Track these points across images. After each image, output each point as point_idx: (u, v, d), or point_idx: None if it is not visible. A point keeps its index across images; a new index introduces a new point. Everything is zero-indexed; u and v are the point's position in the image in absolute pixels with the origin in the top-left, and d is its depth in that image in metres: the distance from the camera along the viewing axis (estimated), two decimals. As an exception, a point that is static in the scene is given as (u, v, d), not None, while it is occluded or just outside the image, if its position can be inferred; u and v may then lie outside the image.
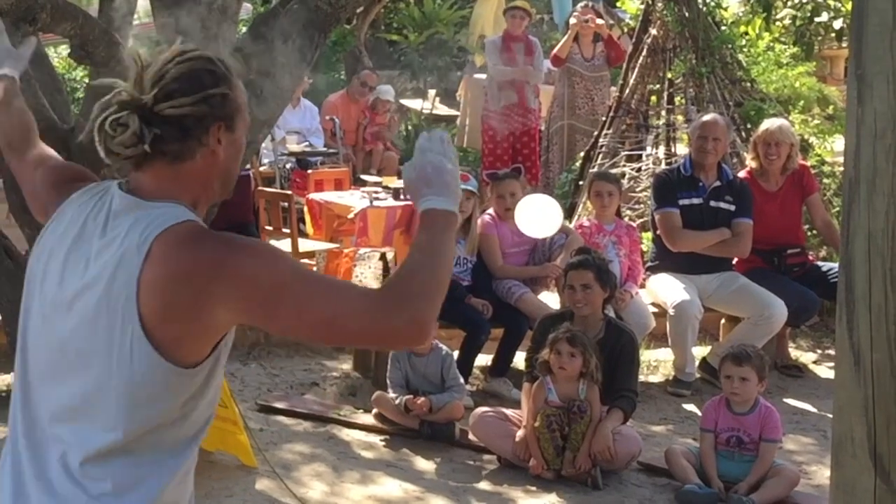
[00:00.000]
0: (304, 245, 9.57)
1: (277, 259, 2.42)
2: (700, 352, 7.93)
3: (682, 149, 9.68)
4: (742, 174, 8.18)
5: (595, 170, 9.53)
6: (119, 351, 2.38)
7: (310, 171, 11.95)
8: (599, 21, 12.21)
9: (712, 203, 7.73)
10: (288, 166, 12.67)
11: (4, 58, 3.26)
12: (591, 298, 6.43)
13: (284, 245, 9.47)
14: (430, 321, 2.39)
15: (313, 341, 2.42)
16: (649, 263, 8.06)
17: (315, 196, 10.67)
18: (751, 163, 8.16)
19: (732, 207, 7.73)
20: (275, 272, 2.38)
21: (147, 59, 2.51)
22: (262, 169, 12.42)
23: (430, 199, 2.56)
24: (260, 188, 10.28)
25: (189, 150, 2.49)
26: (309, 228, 10.51)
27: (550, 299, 7.72)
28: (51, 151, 3.10)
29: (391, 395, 6.60)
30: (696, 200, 7.74)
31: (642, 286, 7.97)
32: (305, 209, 10.59)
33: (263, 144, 11.10)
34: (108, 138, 2.46)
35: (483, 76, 13.58)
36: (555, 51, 12.29)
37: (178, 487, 2.58)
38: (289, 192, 10.61)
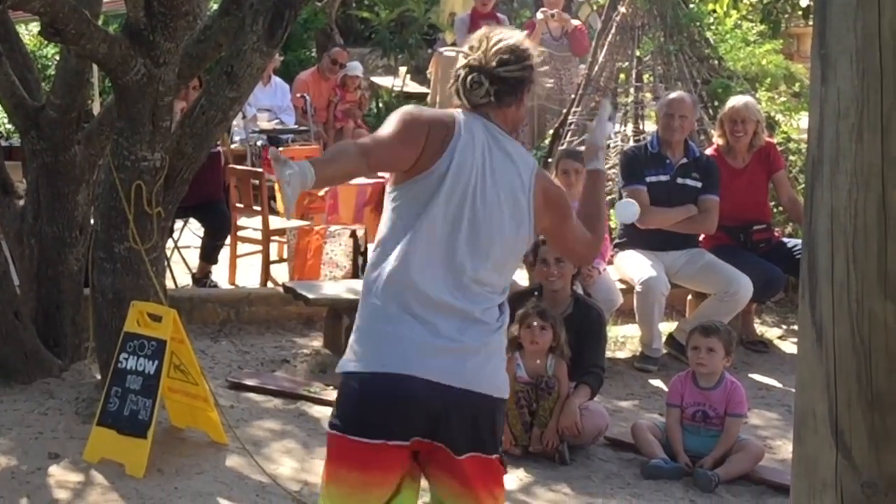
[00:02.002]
0: (275, 222, 9.56)
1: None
2: (667, 328, 7.99)
3: (650, 126, 9.72)
4: (709, 151, 8.24)
5: (563, 147, 9.56)
6: (518, 230, 3.69)
7: (280, 149, 11.89)
8: (564, 15, 12.26)
9: (679, 180, 7.78)
10: (259, 144, 12.64)
11: None
12: (564, 272, 6.46)
13: (255, 223, 9.47)
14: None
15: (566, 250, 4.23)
16: (617, 240, 8.10)
17: (286, 174, 10.62)
18: (717, 140, 8.21)
19: (699, 184, 7.78)
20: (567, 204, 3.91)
21: (483, 38, 3.75)
22: (232, 146, 12.38)
23: (600, 162, 4.08)
24: (231, 165, 10.24)
25: (514, 101, 3.77)
26: (280, 206, 10.49)
27: (518, 276, 7.74)
28: (373, 143, 3.70)
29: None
30: (663, 177, 7.79)
31: (610, 263, 8.01)
32: (276, 187, 10.55)
33: (234, 122, 11.09)
34: (468, 92, 3.71)
35: (454, 53, 13.57)
36: None
37: None
38: (260, 169, 10.59)
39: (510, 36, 3.78)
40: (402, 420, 3.49)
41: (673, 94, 8.13)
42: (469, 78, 3.69)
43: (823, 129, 2.37)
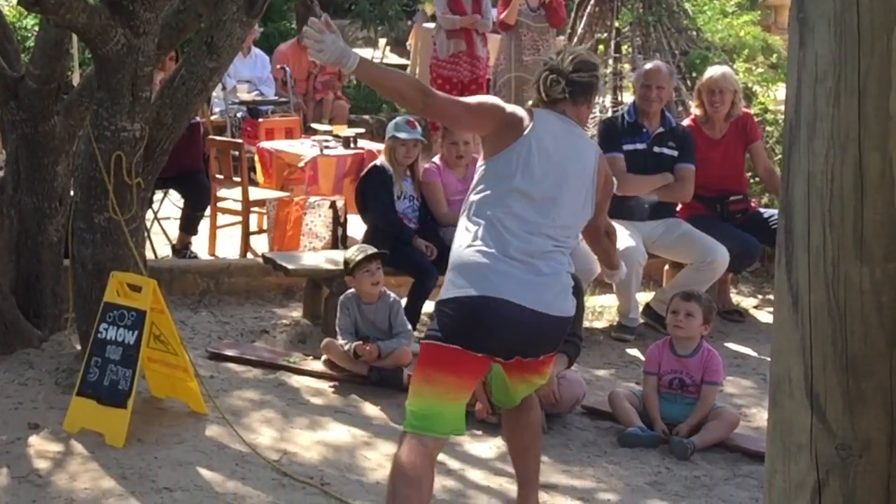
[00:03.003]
0: (255, 193, 9.56)
1: None
2: (644, 297, 8.03)
3: (628, 97, 9.74)
4: (686, 122, 8.27)
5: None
6: (586, 199, 4.68)
7: (260, 120, 11.92)
8: None
9: (655, 149, 7.82)
10: (239, 115, 12.63)
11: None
12: None
13: (235, 194, 9.47)
14: None
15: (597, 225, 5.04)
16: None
17: (266, 145, 10.65)
18: (695, 110, 8.24)
19: (675, 153, 7.82)
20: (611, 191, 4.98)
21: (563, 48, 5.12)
22: (213, 118, 12.37)
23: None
24: (211, 137, 10.23)
25: (584, 101, 4.75)
26: (259, 177, 10.50)
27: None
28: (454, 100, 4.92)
29: (340, 342, 6.65)
30: (639, 146, 7.82)
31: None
32: (256, 158, 10.57)
33: (214, 93, 11.07)
34: (547, 88, 4.67)
35: (433, 25, 13.56)
36: (502, 17, 12.26)
37: None
38: (239, 140, 10.60)
39: (583, 50, 5.02)
40: (501, 339, 4.45)
41: (649, 65, 8.15)
42: (549, 78, 4.67)
43: (801, 93, 2.37)
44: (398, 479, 4.33)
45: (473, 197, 4.60)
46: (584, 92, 4.71)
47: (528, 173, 4.52)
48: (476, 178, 4.66)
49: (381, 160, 7.80)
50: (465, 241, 4.52)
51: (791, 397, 2.45)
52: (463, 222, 4.61)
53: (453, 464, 5.57)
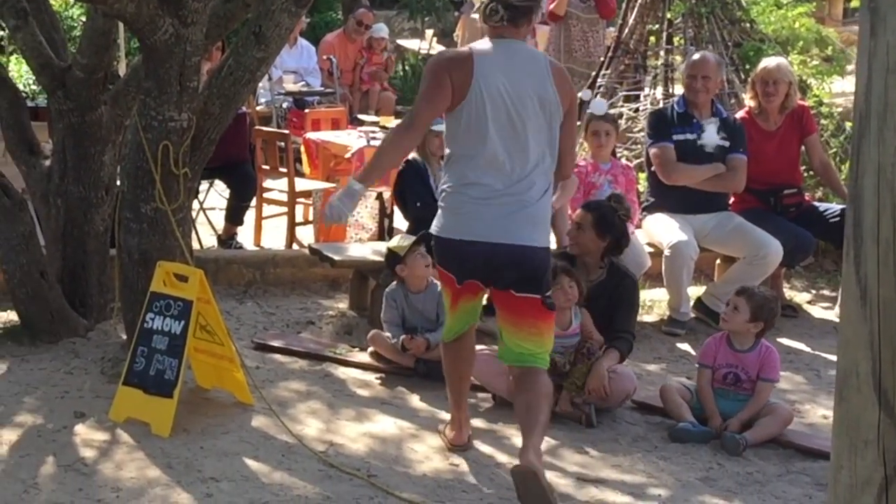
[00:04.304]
0: (301, 184, 9.55)
1: None
2: (695, 292, 7.96)
3: (679, 89, 9.65)
4: (741, 114, 8.17)
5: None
6: (551, 113, 5.04)
7: (307, 111, 11.94)
8: None
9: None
10: (285, 106, 12.65)
11: None
12: (580, 240, 6.45)
13: (280, 185, 9.45)
14: None
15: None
16: (645, 203, 8.06)
17: (312, 135, 10.64)
18: (749, 102, 8.15)
19: (727, 143, 7.73)
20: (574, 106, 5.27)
21: None
22: (258, 108, 12.40)
23: None
24: (257, 127, 10.24)
25: (525, 22, 5.10)
26: (305, 168, 10.49)
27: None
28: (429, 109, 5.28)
29: (386, 334, 6.61)
30: (690, 136, 7.74)
31: (638, 226, 7.97)
32: (302, 149, 10.56)
33: (260, 84, 11.07)
34: (486, 17, 5.09)
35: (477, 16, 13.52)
36: (551, 7, 12.19)
37: None
38: (286, 131, 10.60)
39: None
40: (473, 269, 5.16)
41: (696, 55, 8.08)
42: (488, 7, 5.08)
43: (871, 83, 2.33)
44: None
45: (448, 150, 5.22)
46: (524, 15, 5.09)
47: (489, 117, 5.00)
48: (445, 132, 5.24)
49: (413, 154, 7.76)
50: (449, 184, 5.19)
51: (859, 392, 2.42)
52: (447, 171, 5.25)
53: (501, 457, 5.53)
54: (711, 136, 7.75)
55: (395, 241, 6.83)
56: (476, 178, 5.02)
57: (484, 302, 5.48)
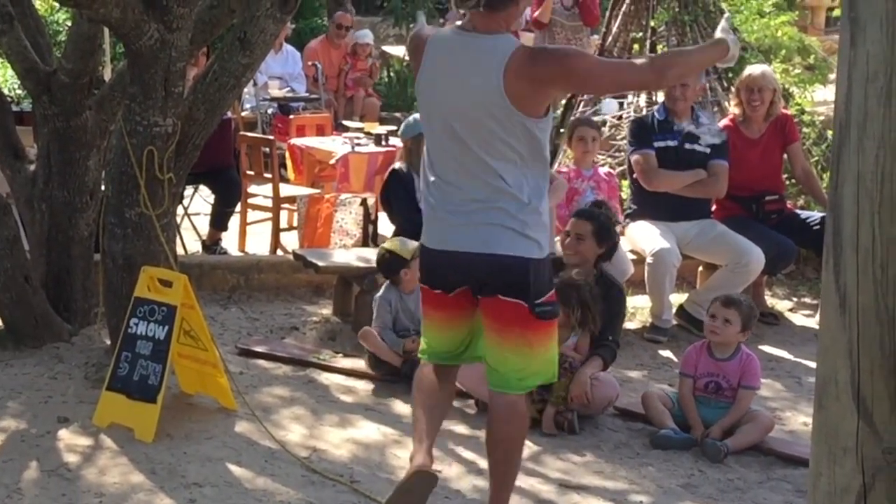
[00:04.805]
0: (286, 190, 9.56)
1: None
2: (677, 299, 7.98)
3: (662, 97, 9.68)
4: (725, 121, 8.22)
5: (577, 116, 9.55)
6: (498, 116, 4.33)
7: (291, 117, 11.96)
8: None
9: (687, 146, 7.79)
10: (270, 111, 12.68)
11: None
12: (581, 249, 6.47)
13: (265, 190, 9.46)
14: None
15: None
16: (628, 210, 8.09)
17: (297, 141, 10.66)
18: (734, 109, 8.20)
19: (708, 150, 7.77)
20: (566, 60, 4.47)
21: None
22: (244, 114, 12.42)
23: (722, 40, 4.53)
24: (242, 133, 10.26)
25: (506, 4, 4.34)
26: (290, 174, 10.51)
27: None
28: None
29: (381, 340, 6.57)
30: (671, 143, 7.80)
31: (621, 233, 7.99)
32: (287, 154, 10.59)
33: (245, 90, 11.09)
34: (459, 1, 4.36)
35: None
36: (535, 14, 12.22)
37: None
38: (270, 137, 10.61)
39: None
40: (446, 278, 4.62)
41: None
42: None
43: (851, 92, 2.35)
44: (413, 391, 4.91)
45: None
46: (502, 2, 4.37)
47: (432, 113, 4.55)
48: None
49: (398, 163, 7.78)
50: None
51: (837, 400, 2.43)
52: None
53: (484, 463, 5.53)
54: (704, 134, 7.79)
55: (397, 245, 6.78)
56: (432, 179, 4.59)
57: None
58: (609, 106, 7.84)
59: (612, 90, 4.79)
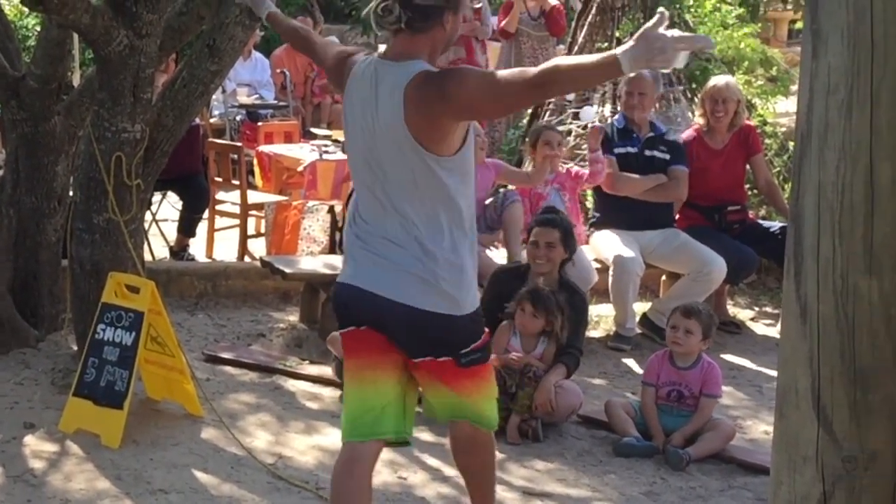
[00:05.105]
0: (253, 197, 9.56)
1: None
2: (640, 308, 8.03)
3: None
4: (690, 132, 8.29)
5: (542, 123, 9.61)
6: (406, 154, 3.85)
7: (260, 124, 11.95)
8: None
9: (647, 152, 7.89)
10: (238, 118, 12.65)
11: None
12: (552, 257, 6.51)
13: (233, 197, 9.46)
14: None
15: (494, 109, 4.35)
16: (592, 219, 8.15)
17: (264, 148, 10.66)
18: (699, 119, 8.27)
19: (667, 156, 7.87)
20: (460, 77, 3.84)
21: None
22: (212, 121, 12.39)
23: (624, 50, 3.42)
24: (210, 140, 10.23)
25: (427, 27, 3.86)
26: (258, 180, 10.50)
27: (498, 256, 7.77)
28: (327, 40, 4.72)
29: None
30: (631, 149, 7.89)
31: (585, 243, 8.06)
32: (255, 161, 10.58)
33: (214, 96, 11.07)
34: (379, 18, 3.85)
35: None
36: (503, 24, 12.26)
37: None
38: (238, 144, 10.60)
39: None
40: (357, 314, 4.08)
41: (632, 73, 8.21)
42: (380, 6, 3.87)
43: (813, 103, 2.38)
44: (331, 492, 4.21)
45: None
46: (427, 18, 3.88)
47: (351, 146, 4.11)
48: None
49: None
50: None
51: (798, 409, 2.46)
52: None
53: (448, 471, 5.56)
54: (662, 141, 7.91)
55: None
56: (356, 214, 4.13)
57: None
58: (587, 113, 7.88)
59: (501, 113, 4.08)
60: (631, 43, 3.36)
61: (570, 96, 9.90)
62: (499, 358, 6.20)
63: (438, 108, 3.76)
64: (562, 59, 3.62)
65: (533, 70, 3.59)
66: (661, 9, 3.30)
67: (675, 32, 3.34)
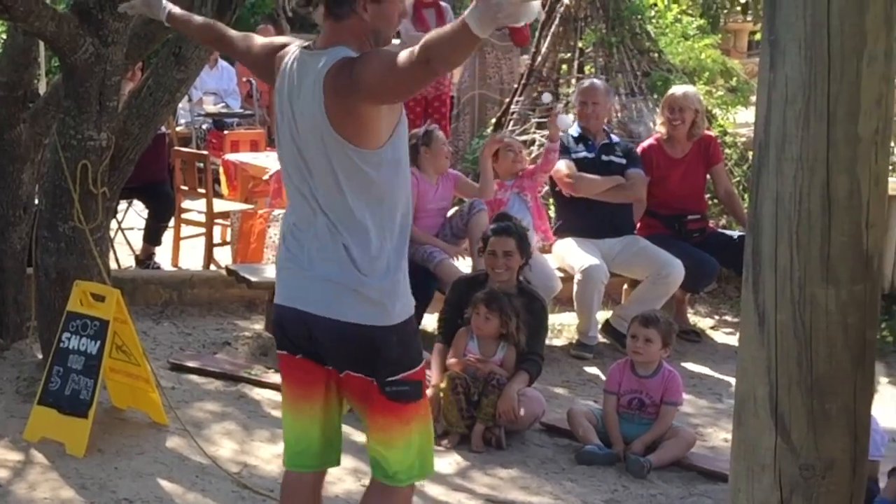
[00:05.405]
0: (219, 205, 9.55)
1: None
2: (603, 316, 8.07)
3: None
4: (649, 140, 8.37)
5: (504, 132, 9.68)
6: (329, 144, 3.62)
7: (226, 132, 11.94)
8: None
9: (604, 157, 8.01)
10: (204, 127, 12.63)
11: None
12: (511, 264, 6.56)
13: (199, 205, 9.45)
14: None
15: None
16: (555, 227, 8.21)
17: (231, 157, 10.66)
18: (659, 128, 8.33)
19: (623, 160, 7.99)
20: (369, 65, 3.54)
21: None
22: (178, 129, 12.36)
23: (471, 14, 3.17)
24: (176, 148, 10.22)
25: (345, 13, 3.65)
26: (224, 189, 10.49)
27: (462, 265, 7.80)
28: (245, 34, 4.35)
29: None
30: (588, 154, 7.98)
31: (548, 251, 8.12)
32: (221, 170, 10.58)
33: (180, 105, 11.06)
34: (288, 1, 3.71)
35: (397, 41, 13.59)
36: None
37: None
38: (205, 152, 10.57)
39: None
40: (292, 338, 3.89)
41: (585, 82, 8.39)
42: None
43: (770, 114, 2.41)
44: None
45: None
46: (339, 2, 3.67)
47: (280, 141, 3.86)
48: None
49: None
50: None
51: (756, 417, 2.48)
52: None
53: (414, 478, 5.59)
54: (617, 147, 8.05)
55: None
56: (288, 222, 3.90)
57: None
58: (564, 121, 7.93)
59: (403, 94, 3.59)
60: (473, 4, 3.15)
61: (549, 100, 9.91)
62: (459, 361, 6.26)
63: (353, 95, 3.54)
64: (431, 33, 3.39)
65: (416, 47, 3.37)
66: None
67: None
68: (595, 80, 8.55)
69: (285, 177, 3.88)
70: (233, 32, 4.36)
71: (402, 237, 3.79)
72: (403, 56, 3.41)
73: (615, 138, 8.23)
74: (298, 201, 3.79)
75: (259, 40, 4.20)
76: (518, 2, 3.09)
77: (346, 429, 4.17)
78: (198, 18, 4.60)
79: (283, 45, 3.96)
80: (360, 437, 5.81)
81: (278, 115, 3.83)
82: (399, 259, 3.76)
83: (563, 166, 7.91)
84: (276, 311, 3.92)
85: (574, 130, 8.09)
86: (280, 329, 3.92)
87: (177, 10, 4.53)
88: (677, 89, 8.31)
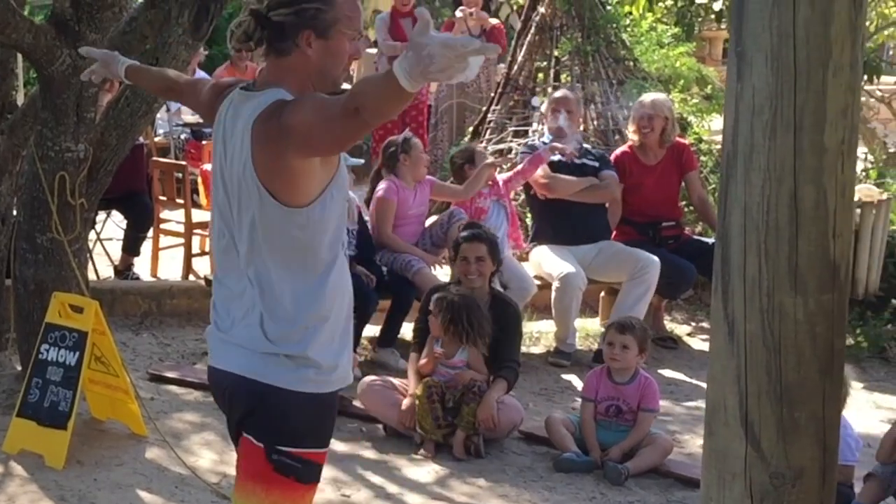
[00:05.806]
0: (198, 215, 9.53)
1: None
2: (581, 323, 8.09)
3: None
4: (622, 148, 8.43)
5: (482, 145, 9.71)
6: (260, 201, 3.20)
7: (204, 142, 11.89)
8: (482, 14, 12.37)
9: (577, 161, 8.05)
10: (183, 137, 12.61)
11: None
12: (483, 270, 6.59)
13: (177, 216, 9.45)
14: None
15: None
16: (531, 234, 8.25)
17: (209, 167, 10.58)
18: (632, 136, 8.37)
19: (596, 163, 8.10)
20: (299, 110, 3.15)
21: None
22: (156, 139, 12.34)
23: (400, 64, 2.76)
24: (154, 158, 10.21)
25: (287, 49, 3.28)
26: (203, 199, 10.47)
27: (442, 274, 7.83)
28: (195, 79, 4.17)
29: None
30: (563, 158, 8.00)
31: (524, 259, 8.15)
32: (199, 180, 10.56)
33: (158, 115, 11.05)
34: (232, 35, 3.34)
35: (374, 51, 13.63)
36: None
37: None
38: (183, 162, 10.57)
39: None
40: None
41: (557, 92, 8.49)
42: (237, 22, 3.33)
43: (738, 125, 2.44)
44: None
45: None
46: (282, 36, 3.28)
47: (214, 189, 3.44)
48: None
49: None
50: None
51: (726, 425, 2.50)
52: None
53: (392, 488, 5.61)
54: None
55: None
56: (218, 269, 3.50)
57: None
58: (561, 121, 8.04)
59: (336, 148, 3.15)
60: (403, 53, 2.73)
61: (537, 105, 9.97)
62: (429, 360, 6.28)
63: (281, 143, 3.12)
64: (361, 82, 3.01)
65: (346, 95, 2.98)
66: (419, 9, 2.72)
67: (446, 37, 2.67)
68: (565, 90, 8.66)
69: (213, 226, 3.47)
70: (183, 79, 4.06)
71: (330, 303, 3.33)
72: (335, 104, 3.02)
73: (587, 146, 8.33)
74: (224, 259, 3.40)
75: (207, 84, 3.81)
76: (453, 56, 2.63)
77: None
78: (152, 71, 4.31)
79: (229, 86, 3.56)
80: (338, 446, 5.87)
81: (213, 161, 3.45)
82: (322, 323, 3.30)
83: (538, 169, 7.98)
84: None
85: (547, 137, 8.15)
86: (212, 392, 3.59)
87: (133, 64, 4.17)
88: (645, 98, 8.38)
